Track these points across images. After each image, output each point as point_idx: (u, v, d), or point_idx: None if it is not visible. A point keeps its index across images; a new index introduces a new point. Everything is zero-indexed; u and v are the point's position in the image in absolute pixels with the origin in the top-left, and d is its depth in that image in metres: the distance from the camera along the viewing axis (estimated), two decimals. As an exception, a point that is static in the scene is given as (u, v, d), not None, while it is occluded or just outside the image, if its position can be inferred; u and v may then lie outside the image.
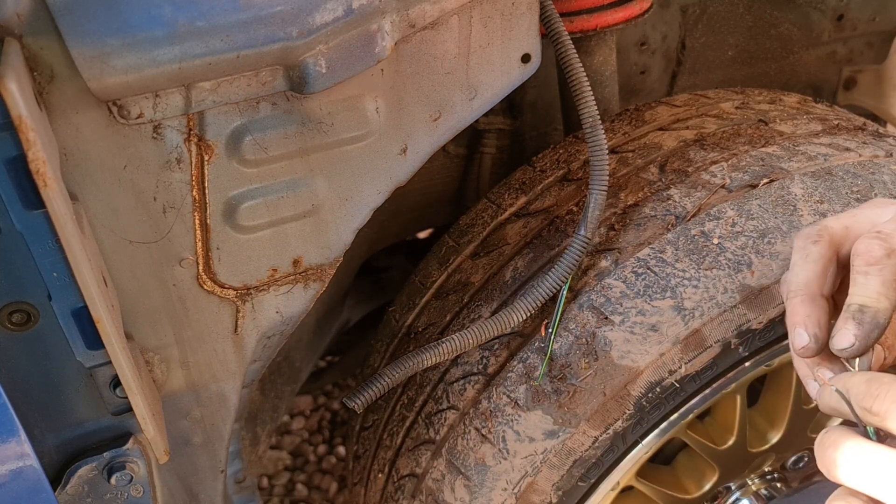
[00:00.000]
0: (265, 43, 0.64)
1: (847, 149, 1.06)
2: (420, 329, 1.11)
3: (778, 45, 1.54)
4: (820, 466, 0.61)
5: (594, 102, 0.92)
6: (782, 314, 0.93)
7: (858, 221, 0.70)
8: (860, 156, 1.04)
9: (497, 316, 0.95)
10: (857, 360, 0.65)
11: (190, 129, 0.69)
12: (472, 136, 1.39)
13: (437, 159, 1.35)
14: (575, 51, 0.91)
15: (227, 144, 0.71)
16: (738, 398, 1.04)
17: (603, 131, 0.91)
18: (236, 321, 0.80)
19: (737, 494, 1.15)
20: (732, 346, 0.93)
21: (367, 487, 1.19)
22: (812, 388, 0.69)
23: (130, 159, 0.68)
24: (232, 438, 0.91)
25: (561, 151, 1.15)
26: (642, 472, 1.06)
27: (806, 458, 1.19)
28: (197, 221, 0.73)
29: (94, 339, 0.69)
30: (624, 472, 1.00)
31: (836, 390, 0.62)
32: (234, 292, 0.78)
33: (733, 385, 0.99)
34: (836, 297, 0.71)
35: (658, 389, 0.92)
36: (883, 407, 0.58)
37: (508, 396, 0.96)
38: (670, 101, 1.22)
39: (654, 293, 0.91)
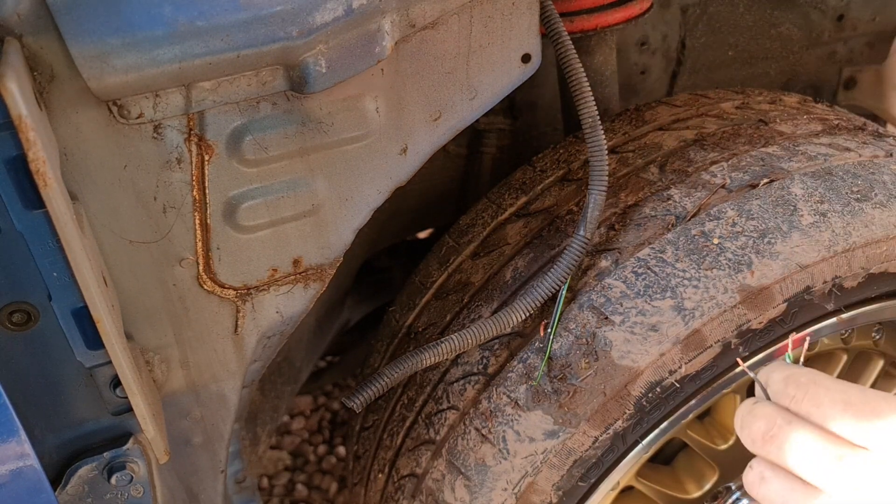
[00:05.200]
0: (265, 43, 0.64)
1: (847, 149, 1.06)
2: (420, 329, 1.11)
3: (778, 45, 1.54)
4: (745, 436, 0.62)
5: (594, 102, 0.92)
6: (782, 314, 0.94)
7: None
8: (860, 156, 1.04)
9: (496, 316, 0.95)
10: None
11: (190, 129, 0.69)
12: (472, 136, 1.39)
13: (437, 159, 1.35)
14: (575, 51, 0.91)
15: (228, 144, 0.71)
16: (738, 398, 1.04)
17: (603, 131, 0.91)
18: (236, 321, 0.80)
19: (737, 494, 1.15)
20: (732, 346, 0.93)
21: (367, 487, 1.19)
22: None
23: (130, 159, 0.68)
24: (232, 438, 0.91)
25: (561, 151, 1.15)
26: (642, 472, 1.06)
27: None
28: (197, 221, 0.73)
29: (94, 339, 0.69)
30: (624, 472, 1.00)
31: (756, 380, 0.63)
32: (235, 292, 0.78)
33: (733, 385, 0.99)
34: None
35: (658, 389, 0.92)
36: (801, 410, 0.59)
37: (508, 396, 0.96)
38: (670, 101, 1.22)
39: (655, 293, 0.91)
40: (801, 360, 0.65)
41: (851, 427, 0.56)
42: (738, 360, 0.69)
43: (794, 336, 0.69)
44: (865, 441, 0.56)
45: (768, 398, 0.62)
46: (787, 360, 0.64)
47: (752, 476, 0.63)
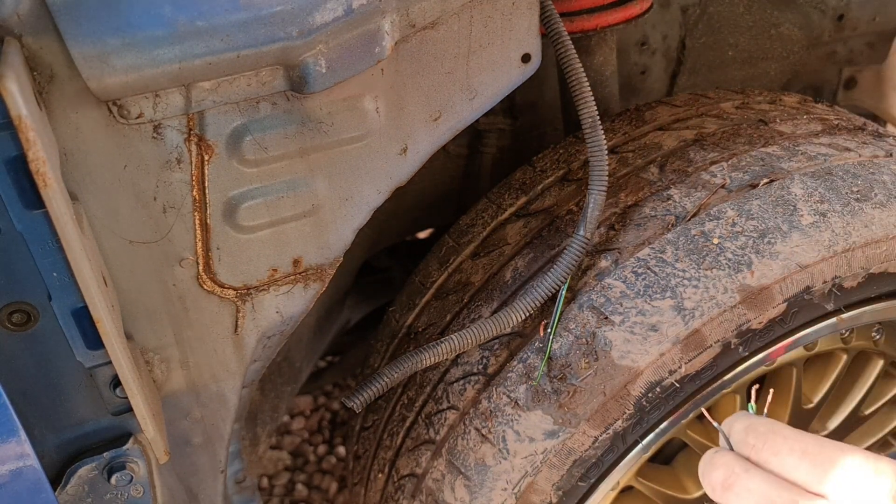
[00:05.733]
0: (265, 43, 0.64)
1: (847, 149, 1.06)
2: (420, 329, 1.11)
3: (778, 45, 1.54)
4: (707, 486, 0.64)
5: (594, 102, 0.92)
6: (782, 314, 0.94)
7: None
8: (860, 156, 1.04)
9: (496, 316, 0.95)
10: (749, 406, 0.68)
11: (190, 129, 0.69)
12: (472, 136, 1.39)
13: (437, 159, 1.35)
14: (575, 51, 0.91)
15: (228, 144, 0.71)
16: (738, 398, 1.04)
17: (603, 131, 0.91)
18: (236, 321, 0.80)
19: (737, 494, 1.15)
20: (732, 346, 0.93)
21: (367, 487, 1.19)
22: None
23: (130, 159, 0.68)
24: (232, 438, 0.91)
25: (561, 151, 1.15)
26: (642, 472, 1.06)
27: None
28: (197, 221, 0.73)
29: (94, 339, 0.69)
30: (624, 472, 1.00)
31: (720, 430, 0.65)
32: (234, 292, 0.78)
33: (733, 385, 0.99)
34: None
35: (658, 389, 0.92)
36: (761, 458, 0.61)
37: (508, 396, 0.96)
38: (670, 101, 1.22)
39: (654, 293, 0.91)
40: (766, 411, 0.68)
41: (808, 474, 0.59)
42: (703, 409, 0.72)
43: (755, 387, 0.73)
44: (821, 488, 0.58)
45: (731, 447, 0.65)
46: (750, 411, 0.67)
47: None
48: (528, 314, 0.94)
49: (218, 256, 0.76)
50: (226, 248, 0.76)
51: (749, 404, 0.68)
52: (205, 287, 0.77)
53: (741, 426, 0.64)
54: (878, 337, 1.13)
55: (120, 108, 0.65)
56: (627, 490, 1.08)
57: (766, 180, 0.98)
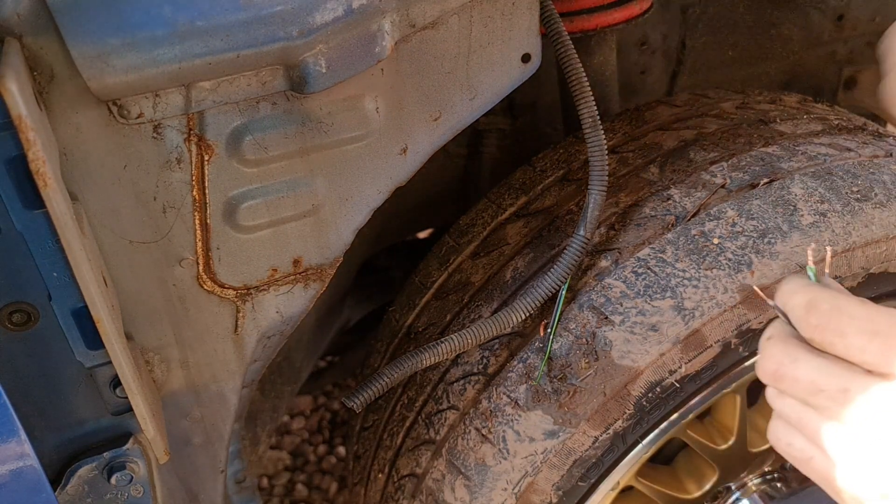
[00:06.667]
0: (265, 42, 0.64)
1: (847, 149, 1.05)
2: (420, 329, 1.11)
3: (778, 45, 1.54)
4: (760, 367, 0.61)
5: (594, 102, 0.92)
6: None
7: None
8: (860, 156, 1.04)
9: (496, 316, 0.95)
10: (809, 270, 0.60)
11: (190, 129, 0.69)
12: (472, 136, 1.39)
13: (437, 159, 1.35)
14: (575, 51, 0.91)
15: (228, 144, 0.71)
16: (738, 398, 1.04)
17: (603, 131, 0.91)
18: (236, 321, 0.80)
19: (737, 494, 1.15)
20: (732, 346, 0.93)
21: (368, 487, 1.19)
22: None
23: (130, 159, 0.68)
24: (232, 438, 0.91)
25: (561, 151, 1.15)
26: (642, 472, 1.06)
27: (806, 458, 1.19)
28: (197, 221, 0.73)
29: (94, 339, 0.69)
30: (624, 472, 1.00)
31: (777, 309, 0.60)
32: (234, 292, 0.78)
33: (733, 385, 0.99)
34: None
35: (658, 389, 0.92)
36: (825, 340, 0.57)
37: (508, 396, 0.96)
38: (670, 101, 1.22)
39: (655, 293, 0.91)
40: (827, 271, 0.61)
41: (877, 356, 0.55)
42: (755, 287, 0.67)
43: (812, 247, 0.64)
44: (891, 368, 0.54)
45: (790, 323, 0.59)
46: (810, 276, 0.59)
47: (770, 390, 0.62)
48: (528, 314, 0.94)
49: (218, 256, 0.76)
50: (226, 248, 0.76)
51: (808, 267, 0.60)
52: (205, 287, 0.77)
53: (801, 302, 0.58)
54: (878, 337, 1.13)
55: (120, 108, 0.65)
56: (627, 490, 1.08)
57: (766, 180, 0.98)
